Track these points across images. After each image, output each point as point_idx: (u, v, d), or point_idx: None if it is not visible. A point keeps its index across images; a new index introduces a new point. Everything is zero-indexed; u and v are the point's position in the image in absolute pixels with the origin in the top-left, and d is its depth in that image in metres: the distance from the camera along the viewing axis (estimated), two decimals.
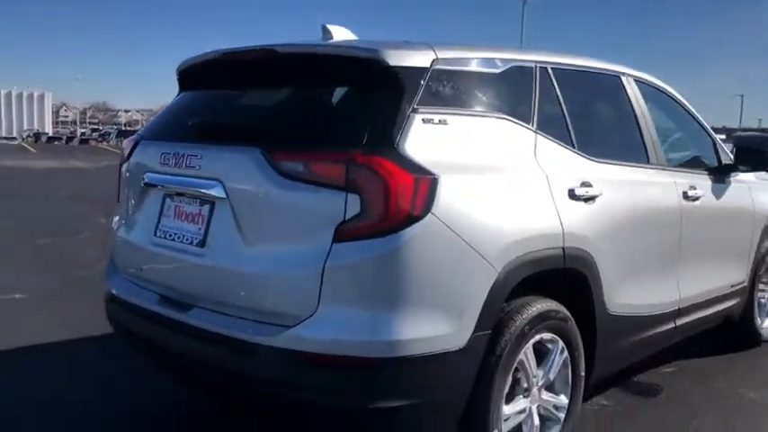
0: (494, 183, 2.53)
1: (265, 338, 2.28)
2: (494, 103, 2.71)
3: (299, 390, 2.28)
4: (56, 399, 3.50)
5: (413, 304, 2.26)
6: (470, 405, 2.47)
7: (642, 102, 3.60)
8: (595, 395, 3.74)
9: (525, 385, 2.72)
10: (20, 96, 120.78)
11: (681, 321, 3.73)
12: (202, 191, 2.56)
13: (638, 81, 3.67)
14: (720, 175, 4.09)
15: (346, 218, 2.22)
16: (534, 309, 2.67)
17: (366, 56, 2.47)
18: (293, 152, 2.35)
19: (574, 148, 2.99)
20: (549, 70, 3.01)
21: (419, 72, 2.46)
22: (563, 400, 2.91)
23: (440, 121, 2.43)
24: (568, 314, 2.84)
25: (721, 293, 4.14)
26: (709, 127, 4.35)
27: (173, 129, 2.88)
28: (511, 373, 2.60)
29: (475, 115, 2.60)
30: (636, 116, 3.55)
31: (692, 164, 4.07)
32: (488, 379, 2.49)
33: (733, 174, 4.18)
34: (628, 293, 3.20)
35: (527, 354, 2.67)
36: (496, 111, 2.68)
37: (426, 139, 2.37)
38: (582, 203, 2.87)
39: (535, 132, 2.79)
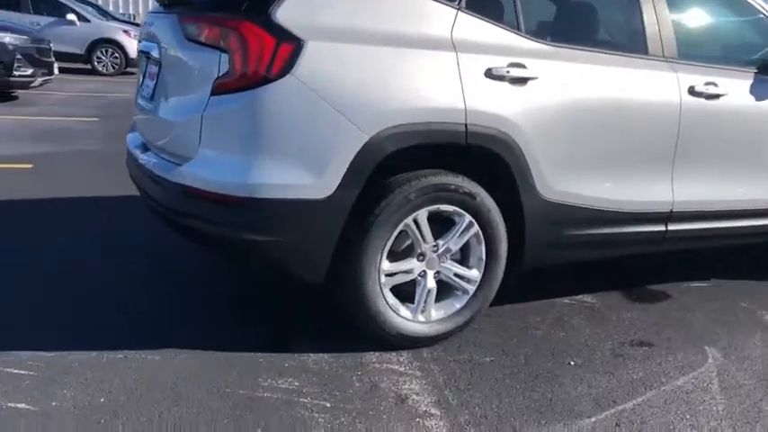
0: (378, 53, 2.68)
1: (169, 174, 2.78)
2: None
3: (189, 218, 2.75)
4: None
5: (273, 154, 2.58)
6: (340, 251, 2.76)
7: None
8: (583, 292, 3.76)
9: (419, 250, 2.92)
10: None
11: (677, 227, 3.52)
12: (152, 53, 3.10)
13: None
14: None
15: (219, 74, 2.60)
16: (427, 179, 2.82)
17: None
18: (192, 17, 2.77)
19: (518, 30, 2.97)
20: None
21: None
22: (474, 273, 3.05)
23: None
24: (478, 191, 2.93)
25: (761, 207, 3.75)
26: None
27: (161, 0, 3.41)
28: (393, 234, 2.82)
29: None
30: (638, 1, 3.31)
31: (731, 59, 3.66)
32: (360, 232, 2.75)
33: None
34: (576, 183, 3.14)
35: (418, 220, 2.86)
36: None
37: (304, 7, 2.61)
38: (504, 84, 2.88)
39: (457, 9, 2.83)
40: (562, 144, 3.07)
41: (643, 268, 4.20)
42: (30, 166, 6.03)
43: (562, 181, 3.10)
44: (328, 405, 2.53)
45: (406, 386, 2.69)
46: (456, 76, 2.79)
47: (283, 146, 2.60)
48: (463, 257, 3.07)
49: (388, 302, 2.90)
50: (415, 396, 2.63)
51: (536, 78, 2.95)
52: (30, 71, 10.06)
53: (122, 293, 3.37)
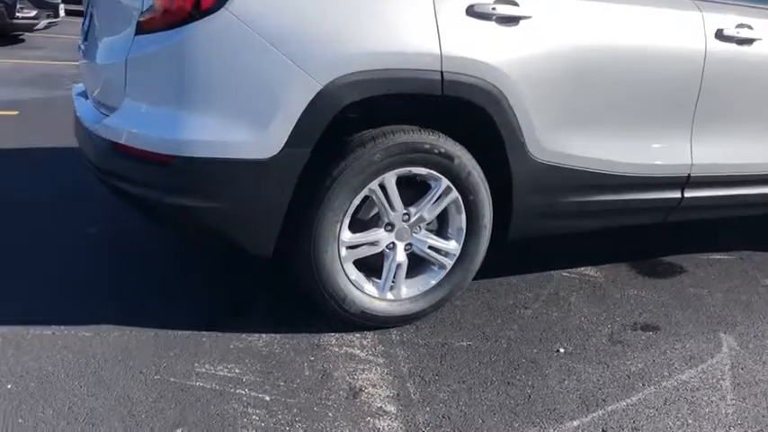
0: None
1: (96, 127, 2.41)
2: None
3: (116, 178, 2.40)
4: None
5: (206, 105, 2.19)
6: (291, 221, 2.39)
7: None
8: (585, 264, 3.35)
9: (387, 219, 2.53)
10: None
11: (694, 194, 3.06)
12: None
13: None
14: None
15: (143, 9, 2.19)
16: (395, 137, 2.41)
17: None
18: None
19: None
20: None
21: None
22: (452, 246, 2.66)
23: None
24: (458, 151, 2.52)
25: None
26: None
27: None
28: (354, 200, 2.43)
29: None
30: None
31: None
32: (315, 199, 2.37)
33: None
34: (576, 143, 2.70)
35: (385, 185, 2.46)
36: None
37: None
38: (490, 24, 2.42)
39: None
40: (560, 96, 2.62)
41: (657, 236, 3.76)
42: (15, 113, 5.74)
43: (559, 139, 2.67)
44: (267, 399, 2.19)
45: (364, 376, 2.35)
46: (430, 13, 2.35)
47: (218, 96, 2.20)
48: (441, 228, 2.68)
49: (349, 278, 2.53)
50: (370, 389, 2.28)
51: (529, 17, 2.49)
52: (33, 13, 9.72)
53: (71, 258, 3.05)
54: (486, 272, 2.84)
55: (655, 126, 2.88)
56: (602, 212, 2.92)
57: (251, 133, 2.23)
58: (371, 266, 2.60)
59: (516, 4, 2.47)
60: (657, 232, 3.75)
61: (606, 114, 2.74)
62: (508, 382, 2.36)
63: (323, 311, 2.58)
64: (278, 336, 2.55)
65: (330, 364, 2.40)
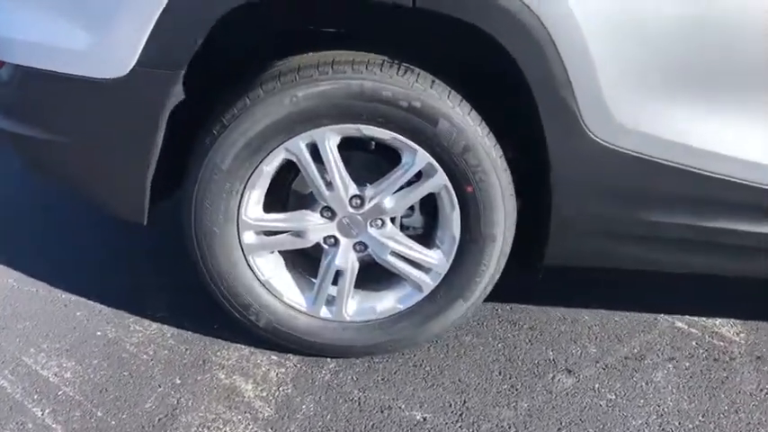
0: None
1: None
2: None
3: None
4: None
5: None
6: (164, 178, 1.59)
7: None
8: (718, 315, 2.08)
9: (322, 202, 1.61)
10: None
11: None
12: None
13: None
14: None
15: None
16: (329, 71, 1.45)
17: None
18: None
19: None
20: None
21: None
22: (434, 258, 1.66)
23: None
24: (447, 107, 1.48)
25: None
26: None
27: None
28: (261, 164, 1.54)
29: None
30: None
31: None
32: (196, 153, 1.55)
33: None
34: (682, 120, 1.49)
35: (318, 146, 1.53)
36: None
37: None
38: None
39: None
40: (658, 32, 1.41)
41: None
42: None
43: (649, 111, 1.48)
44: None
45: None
46: None
47: None
48: (427, 229, 1.70)
49: (259, 278, 1.68)
50: None
51: None
52: None
53: None
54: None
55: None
56: (715, 247, 1.65)
57: (87, 39, 1.45)
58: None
59: None
60: None
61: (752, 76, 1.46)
62: None
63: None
64: (168, 335, 1.81)
65: (192, 398, 1.62)
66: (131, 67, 1.43)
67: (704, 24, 1.41)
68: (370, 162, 1.64)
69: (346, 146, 1.58)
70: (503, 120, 1.56)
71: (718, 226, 1.59)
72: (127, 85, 1.45)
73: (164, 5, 1.37)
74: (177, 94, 1.49)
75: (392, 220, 1.66)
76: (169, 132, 1.54)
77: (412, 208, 1.69)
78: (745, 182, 1.54)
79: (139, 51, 1.42)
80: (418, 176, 1.58)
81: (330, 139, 1.53)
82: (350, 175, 1.59)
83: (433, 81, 1.49)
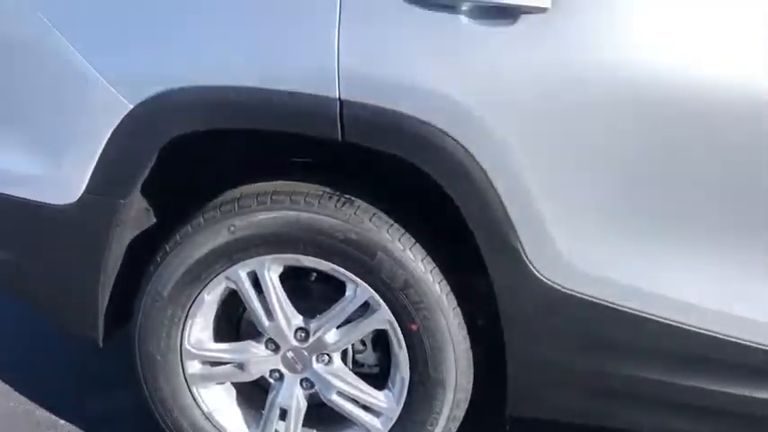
0: None
1: None
2: None
3: None
4: None
5: None
6: (114, 302, 1.59)
7: None
8: None
9: (265, 334, 1.55)
10: None
11: None
12: None
13: None
14: None
15: None
16: (267, 204, 1.44)
17: None
18: None
19: None
20: None
21: None
22: (382, 400, 1.55)
23: None
24: (386, 242, 1.42)
25: None
26: None
27: None
28: (204, 290, 1.52)
29: None
30: None
31: None
32: (143, 277, 1.54)
33: None
34: (647, 262, 1.35)
35: (259, 276, 1.50)
36: None
37: None
38: (452, 19, 1.28)
39: None
40: (608, 163, 1.32)
41: None
42: None
43: (605, 251, 1.35)
44: None
45: None
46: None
47: None
48: (383, 368, 1.60)
49: (202, 410, 1.62)
50: None
51: (544, 10, 1.26)
52: None
53: None
54: None
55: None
56: (693, 409, 1.43)
57: (40, 166, 1.52)
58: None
59: None
60: None
61: (695, 208, 1.32)
62: None
63: None
64: None
65: None
66: (80, 194, 1.48)
67: (653, 157, 1.30)
68: (324, 293, 1.58)
69: (303, 275, 1.56)
70: (451, 256, 1.49)
71: (696, 386, 1.40)
72: (76, 212, 1.50)
73: (108, 136, 1.43)
74: (128, 220, 1.53)
75: (344, 356, 1.59)
76: (128, 257, 1.58)
77: (365, 343, 1.61)
78: (713, 333, 1.36)
79: (87, 180, 1.47)
80: (366, 310, 1.52)
81: (270, 269, 1.49)
82: (304, 306, 1.55)
83: (374, 214, 1.44)
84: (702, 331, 1.35)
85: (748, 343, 1.35)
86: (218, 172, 1.60)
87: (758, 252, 1.34)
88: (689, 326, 1.36)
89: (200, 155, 1.54)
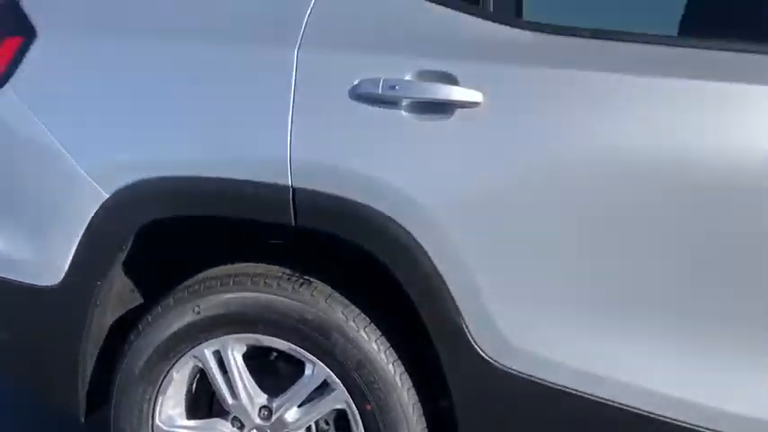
0: (144, 53, 1.54)
1: None
2: None
3: None
4: None
5: None
6: (94, 381, 1.67)
7: None
8: None
9: (230, 412, 1.61)
10: None
11: None
12: None
13: None
14: None
15: None
16: (226, 286, 1.53)
17: None
18: None
19: None
20: None
21: None
22: None
23: None
24: (340, 323, 1.48)
25: None
26: None
27: None
28: (173, 369, 1.59)
29: None
30: None
31: None
32: (118, 356, 1.63)
33: None
34: (586, 342, 1.36)
35: (230, 355, 1.56)
36: None
37: None
38: (397, 115, 1.37)
39: None
40: (549, 247, 1.36)
41: None
42: None
43: (548, 331, 1.38)
44: None
45: None
46: (285, 93, 1.44)
47: None
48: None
49: None
50: None
51: (476, 105, 1.35)
52: None
53: None
54: None
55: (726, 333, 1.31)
56: None
57: (25, 249, 1.64)
58: None
59: (454, 80, 1.37)
60: None
61: (656, 293, 1.33)
62: None
63: None
64: None
65: None
66: (62, 276, 1.60)
67: (581, 243, 1.34)
68: (290, 372, 1.63)
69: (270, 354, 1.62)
70: (406, 337, 1.53)
71: None
72: (58, 293, 1.61)
73: (86, 223, 1.55)
74: (109, 300, 1.63)
75: None
76: (113, 336, 1.67)
77: (327, 422, 1.64)
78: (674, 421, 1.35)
79: (68, 263, 1.59)
80: (326, 389, 1.56)
81: (234, 348, 1.56)
82: (271, 384, 1.60)
83: (330, 295, 1.51)
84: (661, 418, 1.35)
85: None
86: (195, 254, 1.70)
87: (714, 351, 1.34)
88: (636, 408, 1.35)
89: (179, 238, 1.64)
